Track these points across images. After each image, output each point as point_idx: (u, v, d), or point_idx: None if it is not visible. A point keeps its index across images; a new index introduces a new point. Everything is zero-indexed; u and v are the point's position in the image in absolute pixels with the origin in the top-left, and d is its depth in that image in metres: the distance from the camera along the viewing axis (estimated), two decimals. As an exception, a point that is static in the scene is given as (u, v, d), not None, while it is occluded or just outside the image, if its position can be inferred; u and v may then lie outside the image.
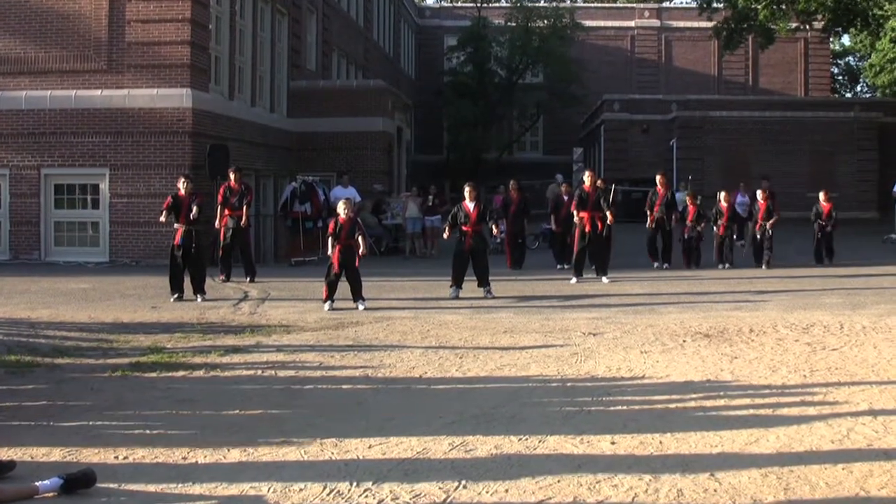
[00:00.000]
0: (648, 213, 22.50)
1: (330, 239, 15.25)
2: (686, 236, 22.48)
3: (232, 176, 19.18)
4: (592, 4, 66.61)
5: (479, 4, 57.72)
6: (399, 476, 6.47)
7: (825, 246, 22.57)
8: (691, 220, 22.42)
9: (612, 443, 7.25)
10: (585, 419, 7.98)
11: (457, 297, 16.42)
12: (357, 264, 15.21)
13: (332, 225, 15.40)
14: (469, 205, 17.06)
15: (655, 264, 21.91)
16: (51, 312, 14.57)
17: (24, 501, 5.95)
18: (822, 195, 22.81)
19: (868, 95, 69.68)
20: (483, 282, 16.80)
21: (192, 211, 16.46)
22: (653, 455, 6.95)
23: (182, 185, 16.79)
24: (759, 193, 22.50)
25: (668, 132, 47.60)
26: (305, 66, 34.14)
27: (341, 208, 15.40)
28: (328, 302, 15.03)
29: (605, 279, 19.13)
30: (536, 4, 58.78)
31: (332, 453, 7.04)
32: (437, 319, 13.84)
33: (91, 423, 7.98)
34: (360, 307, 14.99)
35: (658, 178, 22.94)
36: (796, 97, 57.88)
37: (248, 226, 19.44)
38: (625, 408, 8.42)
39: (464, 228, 16.95)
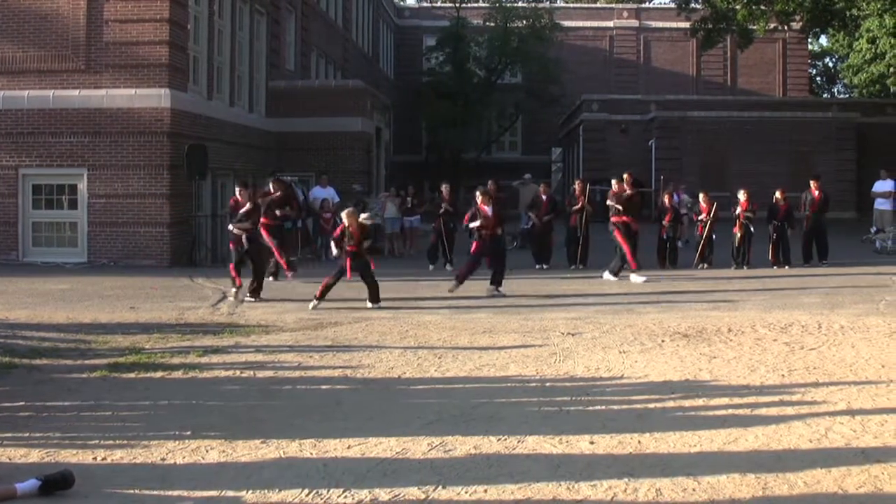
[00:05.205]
0: None
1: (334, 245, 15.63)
2: (664, 236, 22.51)
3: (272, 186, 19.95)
4: (571, 5, 66.72)
5: (457, 5, 57.67)
6: (378, 476, 6.47)
7: (782, 247, 22.21)
8: (668, 221, 22.46)
9: (591, 443, 7.27)
10: (564, 419, 8.00)
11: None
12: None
13: (338, 230, 15.87)
14: (486, 208, 17.33)
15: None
16: (28, 313, 14.50)
17: (4, 503, 5.93)
18: (778, 193, 22.60)
19: (845, 96, 70.00)
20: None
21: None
22: (631, 455, 6.97)
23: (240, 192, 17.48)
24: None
25: (647, 132, 47.69)
26: (284, 66, 34.10)
27: (346, 217, 15.73)
28: (316, 301, 15.27)
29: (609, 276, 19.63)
30: (515, 5, 58.80)
31: (311, 454, 7.04)
32: (415, 320, 13.84)
33: (69, 424, 7.95)
34: (369, 305, 15.30)
35: (625, 176, 22.94)
36: (775, 97, 58.12)
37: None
38: (603, 408, 8.44)
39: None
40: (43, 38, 22.87)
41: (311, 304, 15.13)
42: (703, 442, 7.28)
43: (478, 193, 17.85)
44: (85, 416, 8.29)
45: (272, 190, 19.63)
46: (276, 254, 18.85)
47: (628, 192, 20.11)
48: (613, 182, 20.77)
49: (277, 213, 19.34)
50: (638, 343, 11.71)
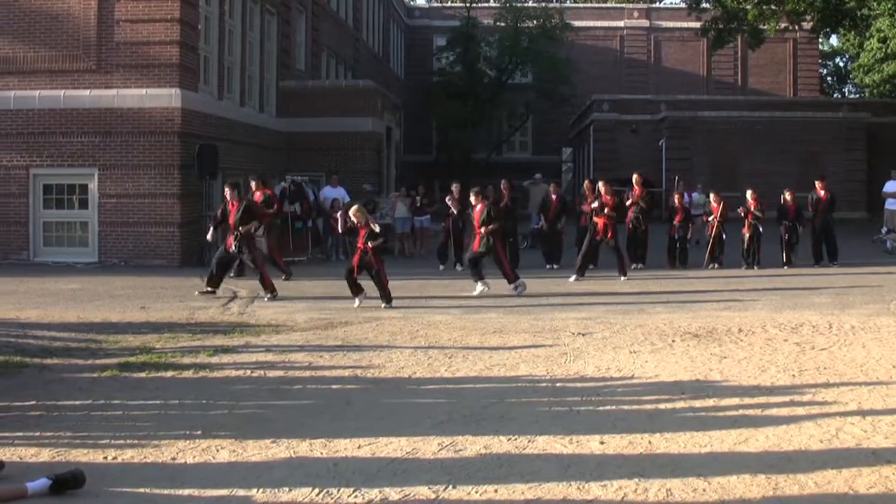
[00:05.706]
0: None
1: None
2: (674, 236, 22.47)
3: (253, 185, 20.02)
4: (581, 5, 66.66)
5: (468, 4, 57.60)
6: (388, 476, 6.47)
7: (790, 246, 22.26)
8: (679, 221, 22.42)
9: (602, 443, 7.26)
10: (574, 419, 7.99)
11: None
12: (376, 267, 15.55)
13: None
14: (477, 207, 17.47)
15: (632, 265, 21.81)
16: (40, 313, 14.53)
17: (14, 502, 5.93)
18: (787, 194, 22.63)
19: (856, 96, 69.81)
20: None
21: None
22: (642, 455, 6.97)
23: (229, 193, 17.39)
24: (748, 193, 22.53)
25: (658, 132, 47.61)
26: (295, 66, 34.11)
27: (353, 215, 15.70)
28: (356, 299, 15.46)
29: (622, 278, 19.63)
30: (525, 5, 58.73)
31: (322, 453, 7.04)
32: (426, 319, 13.84)
33: (80, 423, 7.96)
34: (383, 305, 15.32)
35: (635, 177, 22.96)
36: (785, 97, 57.94)
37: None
38: (614, 408, 8.43)
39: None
40: (54, 38, 22.92)
41: (355, 303, 15.32)
42: (713, 442, 7.27)
43: (471, 193, 17.96)
44: (95, 415, 8.30)
45: (253, 189, 19.81)
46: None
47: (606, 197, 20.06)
48: (601, 184, 20.59)
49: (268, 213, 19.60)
50: (648, 343, 11.69)
